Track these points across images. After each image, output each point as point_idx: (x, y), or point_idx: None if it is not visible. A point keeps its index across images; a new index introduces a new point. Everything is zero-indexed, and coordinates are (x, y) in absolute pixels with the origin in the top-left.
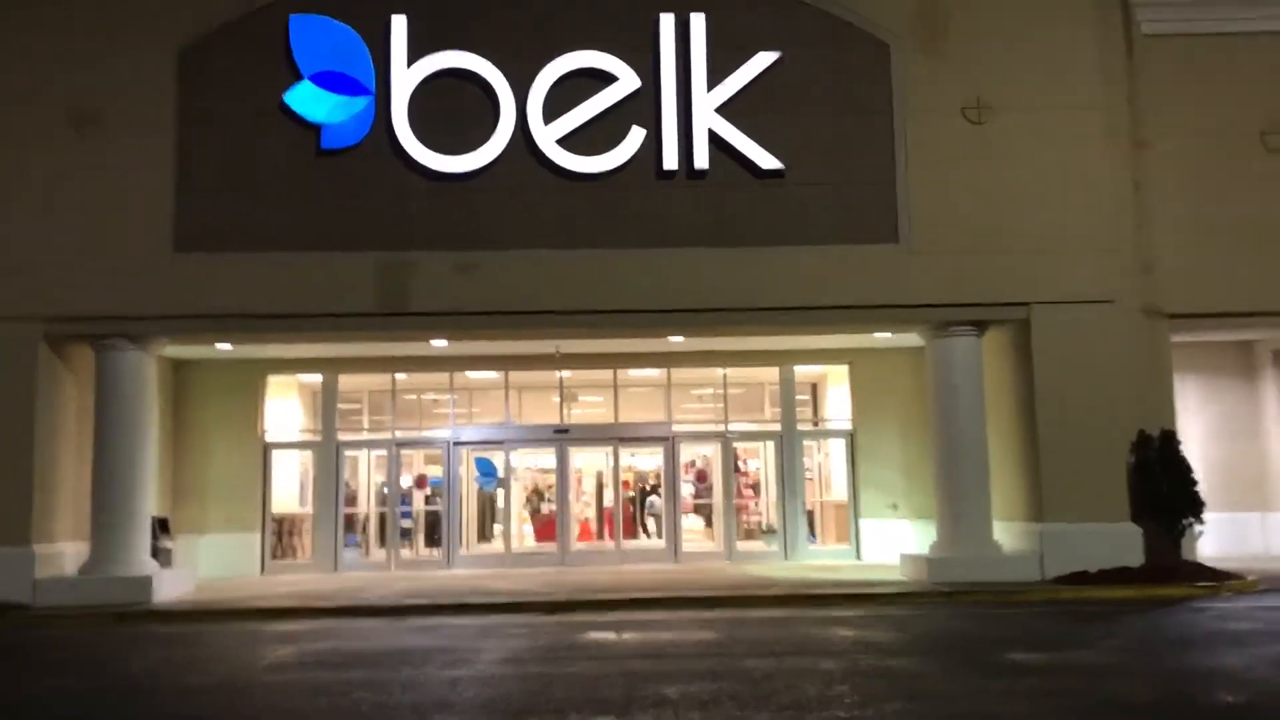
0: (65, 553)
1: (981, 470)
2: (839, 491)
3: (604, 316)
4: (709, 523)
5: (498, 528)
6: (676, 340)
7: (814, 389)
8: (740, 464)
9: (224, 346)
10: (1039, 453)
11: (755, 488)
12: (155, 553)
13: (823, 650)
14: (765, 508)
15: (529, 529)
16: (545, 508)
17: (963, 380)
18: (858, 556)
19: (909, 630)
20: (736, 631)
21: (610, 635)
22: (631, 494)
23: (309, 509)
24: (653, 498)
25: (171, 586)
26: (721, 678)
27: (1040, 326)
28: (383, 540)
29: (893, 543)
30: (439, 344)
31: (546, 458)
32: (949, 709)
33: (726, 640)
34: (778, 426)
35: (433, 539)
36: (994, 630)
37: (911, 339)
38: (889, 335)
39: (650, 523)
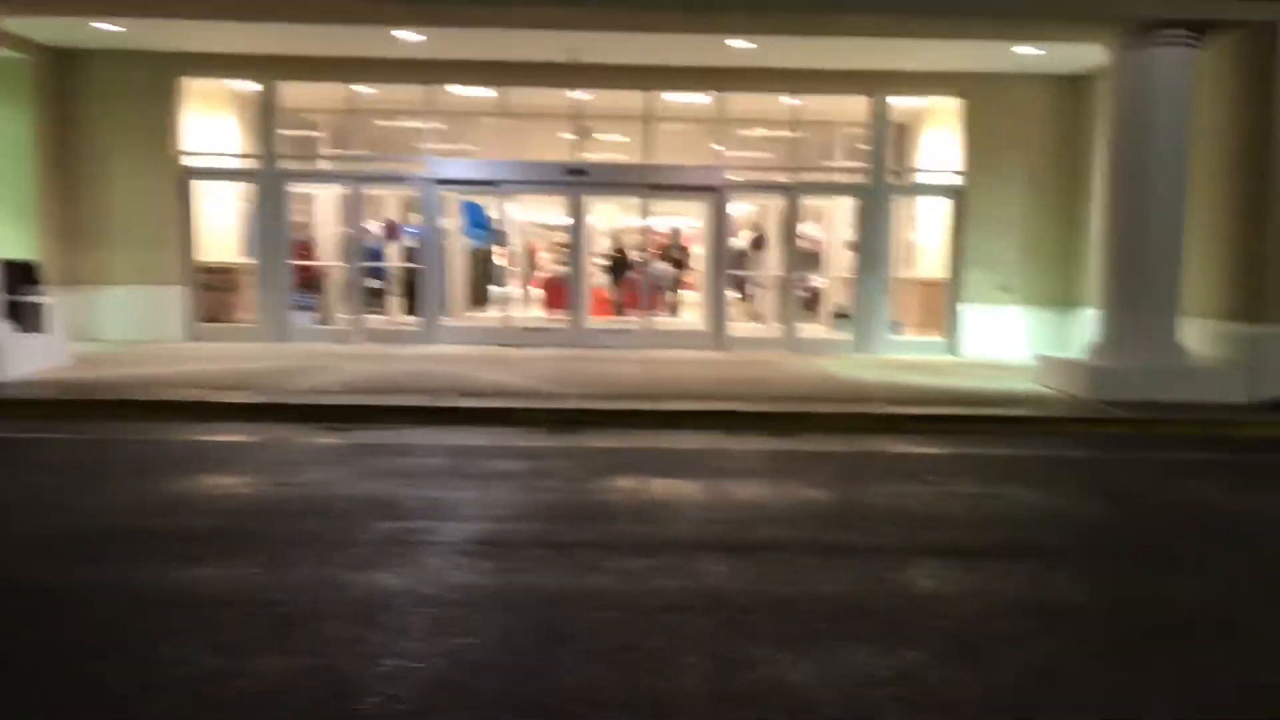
0: None
1: (1174, 244)
2: (931, 267)
3: None
4: (744, 298)
5: (495, 290)
6: (739, 46)
7: (900, 131)
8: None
9: (105, 27)
10: (1268, 223)
11: (814, 259)
12: (15, 311)
13: (1045, 548)
14: (828, 284)
15: (534, 295)
16: (552, 272)
17: (1164, 113)
18: (952, 351)
19: (1150, 498)
20: (853, 485)
21: (652, 485)
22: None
23: (252, 260)
24: (661, 264)
25: (32, 358)
26: (901, 635)
27: None
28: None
29: (998, 335)
30: (409, 37)
31: (554, 210)
32: None
33: (847, 508)
34: (862, 178)
35: (412, 304)
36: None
37: (1057, 61)
38: (1039, 51)
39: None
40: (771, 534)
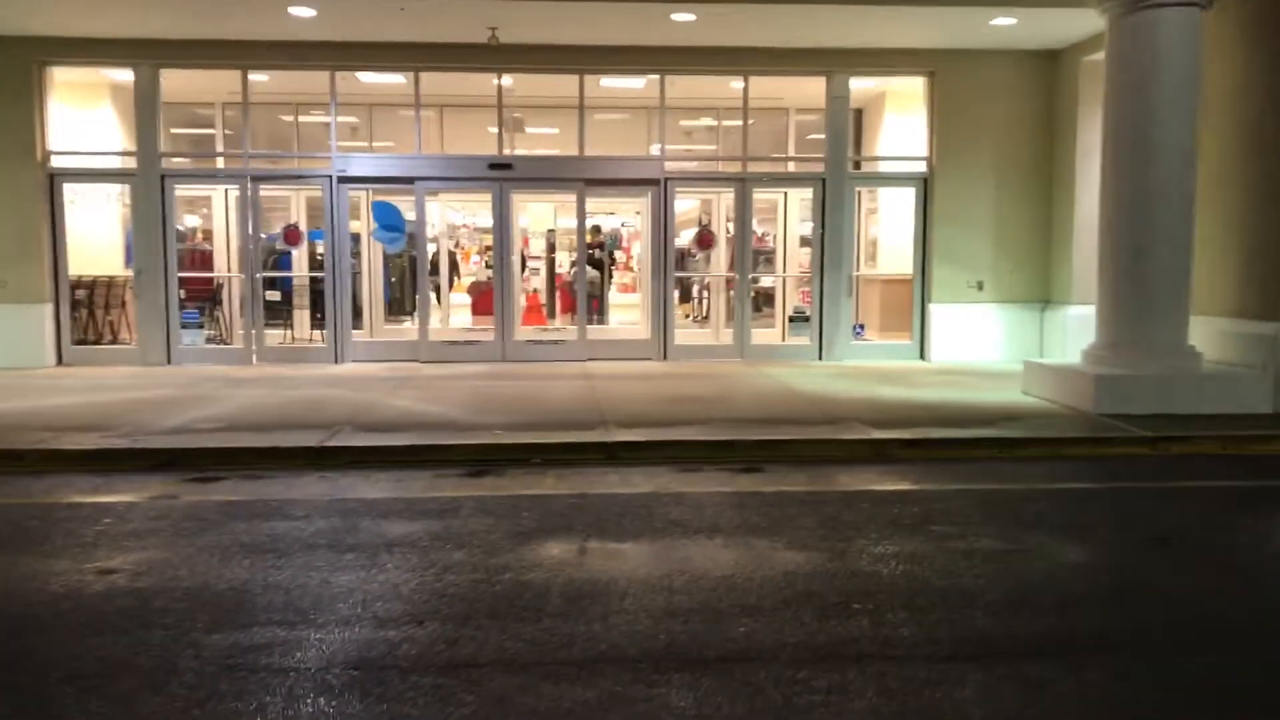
0: None
1: (1184, 233)
2: (897, 263)
3: None
4: (686, 299)
5: (420, 299)
6: (682, 20)
7: (859, 116)
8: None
9: None
10: None
11: (767, 257)
12: None
13: (1113, 636)
14: (782, 285)
15: (458, 299)
16: (478, 276)
17: (1170, 84)
18: (922, 355)
19: (1211, 546)
20: (843, 543)
21: (590, 553)
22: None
23: (132, 271)
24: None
25: None
26: None
27: None
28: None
29: (970, 337)
30: (302, 12)
31: (480, 210)
32: None
33: (842, 582)
34: (819, 168)
35: (319, 319)
36: None
37: (1032, 34)
38: (1010, 21)
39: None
40: (751, 632)
